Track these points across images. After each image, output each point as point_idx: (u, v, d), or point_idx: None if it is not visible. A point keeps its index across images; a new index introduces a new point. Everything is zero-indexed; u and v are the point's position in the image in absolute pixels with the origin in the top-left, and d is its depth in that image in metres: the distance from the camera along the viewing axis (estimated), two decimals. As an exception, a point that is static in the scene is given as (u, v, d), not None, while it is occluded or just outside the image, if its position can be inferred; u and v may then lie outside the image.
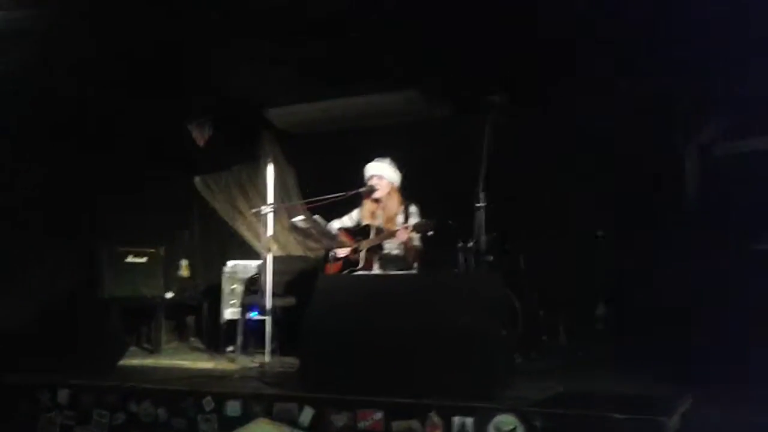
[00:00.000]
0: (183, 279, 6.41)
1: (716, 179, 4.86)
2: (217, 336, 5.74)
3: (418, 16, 4.39)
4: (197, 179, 6.62)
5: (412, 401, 3.18)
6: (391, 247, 4.51)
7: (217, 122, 6.13)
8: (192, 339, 6.28)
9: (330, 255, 4.64)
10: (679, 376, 3.66)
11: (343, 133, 6.05)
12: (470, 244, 4.62)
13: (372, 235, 4.46)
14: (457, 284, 3.74)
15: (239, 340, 5.11)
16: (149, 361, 5.13)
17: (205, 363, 4.99)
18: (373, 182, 4.58)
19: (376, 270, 4.45)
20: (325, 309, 3.65)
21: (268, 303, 4.50)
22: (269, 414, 3.41)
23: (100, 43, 4.73)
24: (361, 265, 4.40)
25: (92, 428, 3.77)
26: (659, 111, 4.97)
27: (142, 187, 6.13)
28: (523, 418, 2.94)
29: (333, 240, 4.51)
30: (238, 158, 6.50)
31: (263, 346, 4.46)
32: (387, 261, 4.50)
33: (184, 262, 6.48)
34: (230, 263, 5.83)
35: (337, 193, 4.47)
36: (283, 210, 5.64)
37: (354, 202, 4.71)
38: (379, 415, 3.19)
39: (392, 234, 4.35)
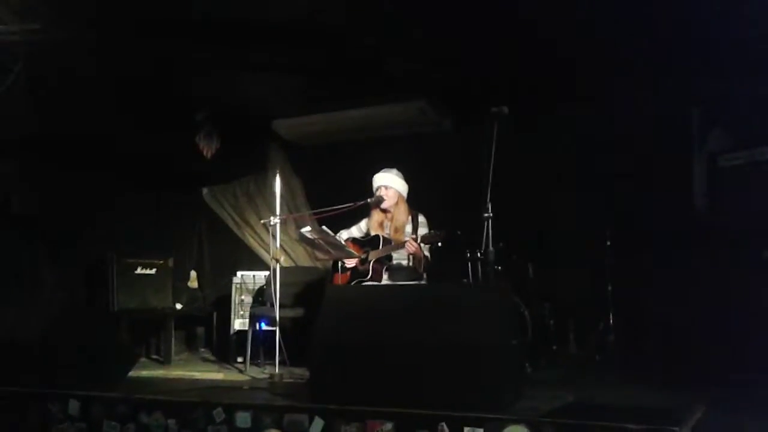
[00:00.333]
0: (192, 290, 6.44)
1: (725, 186, 4.85)
2: (226, 347, 5.75)
3: (425, 26, 4.42)
4: (205, 190, 6.66)
5: (421, 412, 3.17)
6: (400, 257, 4.52)
7: (224, 133, 6.17)
8: (202, 350, 6.30)
9: (338, 265, 4.66)
10: (691, 385, 3.64)
11: (350, 143, 6.08)
12: (478, 254, 4.63)
13: (380, 245, 4.47)
14: (466, 294, 3.73)
15: (249, 351, 5.13)
16: (159, 373, 5.14)
17: (215, 374, 5.00)
18: (380, 192, 4.60)
19: (384, 280, 4.46)
20: (334, 319, 3.65)
21: (277, 314, 4.52)
22: (279, 425, 3.41)
23: (104, 54, 4.77)
24: (369, 275, 4.41)
25: (103, 440, 3.78)
26: (667, 116, 4.97)
27: (150, 198, 6.18)
28: (534, 428, 2.93)
29: (341, 250, 4.52)
30: (245, 169, 6.53)
31: (273, 357, 4.48)
32: (395, 271, 4.50)
33: (192, 274, 6.51)
34: (239, 274, 5.85)
35: (345, 203, 4.50)
36: (290, 220, 5.68)
37: (362, 213, 4.72)
38: (389, 426, 3.18)
39: (401, 245, 4.36)
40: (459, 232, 4.45)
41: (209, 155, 6.12)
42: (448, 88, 5.28)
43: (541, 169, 5.27)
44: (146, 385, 4.47)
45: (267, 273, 5.48)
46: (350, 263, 4.57)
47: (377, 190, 4.62)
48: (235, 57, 4.92)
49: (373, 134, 5.97)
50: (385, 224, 4.63)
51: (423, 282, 4.47)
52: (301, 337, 4.36)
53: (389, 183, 4.60)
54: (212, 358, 5.97)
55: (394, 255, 4.50)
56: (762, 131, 4.64)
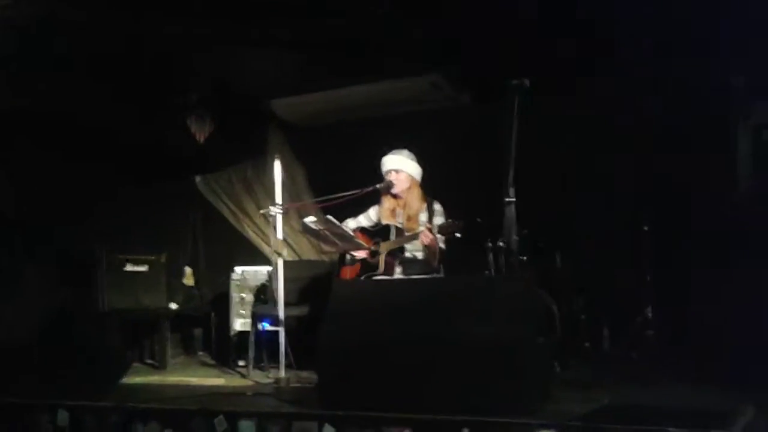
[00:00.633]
0: (187, 288, 6.48)
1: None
2: (227, 349, 5.80)
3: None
4: (198, 178, 6.67)
5: (442, 417, 3.18)
6: (414, 248, 4.51)
7: (217, 115, 6.17)
8: (200, 353, 6.34)
9: (346, 258, 4.66)
10: (740, 384, 3.62)
11: (356, 123, 6.06)
12: (500, 243, 4.60)
13: (392, 235, 4.47)
14: (488, 287, 3.74)
15: (251, 353, 5.17)
16: (154, 378, 5.20)
17: (215, 379, 5.05)
18: (391, 177, 4.58)
19: (397, 274, 4.46)
20: (343, 318, 3.67)
21: (281, 312, 4.55)
22: (287, 434, 3.44)
23: (92, 36, 4.78)
24: (381, 269, 4.42)
25: (95, 453, 3.82)
26: (703, 94, 4.91)
27: (139, 188, 6.20)
28: (565, 433, 2.94)
29: (349, 242, 4.53)
30: (242, 154, 6.54)
31: (277, 360, 4.51)
32: (409, 264, 4.50)
33: (187, 270, 6.55)
34: (238, 269, 5.88)
35: (352, 190, 4.49)
36: (293, 210, 5.69)
37: (371, 200, 4.72)
38: (406, 433, 3.21)
39: (415, 236, 4.35)
40: (479, 219, 4.43)
41: (202, 139, 6.13)
42: (463, 60, 5.24)
43: (569, 146, 5.22)
44: (140, 392, 4.51)
45: (269, 268, 5.50)
46: (359, 255, 4.58)
47: (387, 174, 4.61)
48: (232, 31, 4.90)
49: (382, 112, 5.94)
50: (397, 212, 4.62)
51: (440, 275, 4.47)
52: (307, 338, 4.37)
53: (400, 166, 4.59)
54: (211, 361, 6.02)
55: (407, 246, 4.50)
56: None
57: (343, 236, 4.50)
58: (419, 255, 4.52)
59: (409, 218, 4.53)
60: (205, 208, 6.71)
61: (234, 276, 5.84)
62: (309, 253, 6.27)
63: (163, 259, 6.04)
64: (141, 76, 5.40)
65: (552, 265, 5.02)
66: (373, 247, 4.52)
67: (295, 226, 5.93)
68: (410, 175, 4.59)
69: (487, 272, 4.76)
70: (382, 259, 4.44)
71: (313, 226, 4.48)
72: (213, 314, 6.20)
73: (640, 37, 4.59)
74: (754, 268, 4.36)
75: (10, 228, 5.45)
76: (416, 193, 4.59)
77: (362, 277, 4.48)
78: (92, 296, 5.65)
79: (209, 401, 3.92)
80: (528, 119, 3.88)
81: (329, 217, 4.50)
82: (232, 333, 5.73)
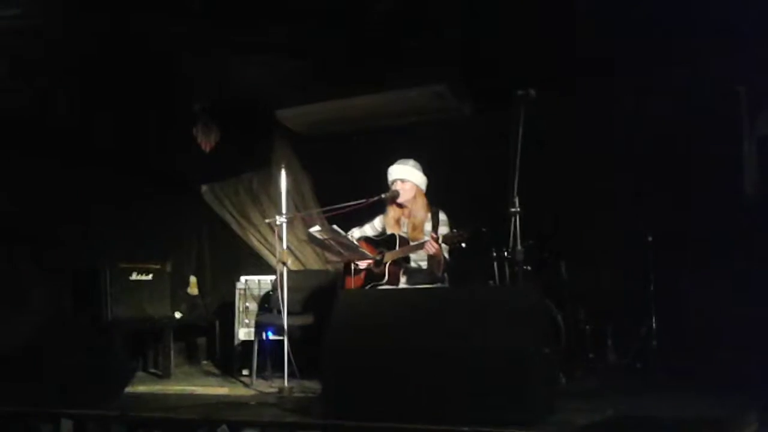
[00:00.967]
0: (192, 297, 6.49)
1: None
2: (231, 358, 5.80)
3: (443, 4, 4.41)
4: (204, 188, 6.70)
5: (446, 428, 3.17)
6: (418, 258, 4.52)
7: (224, 124, 6.20)
8: (204, 362, 6.35)
9: (351, 268, 4.67)
10: (744, 394, 3.61)
11: (362, 133, 6.09)
12: (505, 253, 4.61)
13: (397, 245, 4.47)
14: (493, 298, 3.73)
15: (255, 362, 5.17)
16: (158, 387, 5.20)
17: (218, 388, 5.05)
18: (396, 186, 4.59)
19: (402, 284, 4.46)
20: (348, 327, 3.66)
21: (285, 322, 4.55)
22: (289, 444, 3.44)
23: (95, 40, 4.80)
24: (385, 278, 4.42)
25: (99, 462, 3.82)
26: (714, 96, 4.92)
27: (145, 197, 6.21)
28: (570, 444, 2.93)
29: (354, 251, 4.54)
30: (248, 164, 6.56)
31: (281, 369, 4.51)
32: (414, 273, 4.51)
33: (192, 279, 6.56)
34: (242, 279, 5.89)
35: (357, 199, 4.50)
36: (298, 219, 5.70)
37: (376, 210, 4.73)
38: (410, 444, 3.20)
39: (420, 245, 4.35)
40: (484, 229, 4.44)
41: (208, 149, 6.16)
42: (469, 69, 5.25)
43: (573, 158, 5.23)
44: (144, 401, 4.51)
45: (273, 277, 5.52)
46: (364, 265, 4.58)
47: (392, 183, 4.62)
48: (237, 39, 4.93)
49: (388, 123, 5.97)
50: (402, 221, 4.63)
51: (445, 285, 4.47)
52: (311, 347, 4.36)
53: (405, 176, 4.60)
54: (215, 371, 6.02)
55: (412, 256, 4.50)
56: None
57: (348, 246, 4.50)
58: (424, 264, 4.53)
59: (414, 228, 4.54)
60: (211, 217, 6.73)
61: (239, 285, 5.86)
62: (314, 263, 6.28)
63: (168, 268, 6.05)
64: (146, 86, 5.43)
65: (557, 275, 5.01)
66: (377, 257, 4.53)
67: (301, 236, 5.94)
68: (416, 185, 4.60)
69: (491, 282, 4.76)
70: (386, 268, 4.44)
71: (318, 235, 4.49)
72: (217, 323, 6.21)
73: (646, 41, 4.61)
74: (760, 277, 4.34)
75: (16, 237, 5.47)
76: (421, 202, 4.60)
77: (367, 287, 4.48)
78: (97, 305, 5.66)
79: (213, 410, 3.92)
80: (534, 130, 3.89)
81: (335, 226, 4.52)
82: (236, 342, 5.74)
